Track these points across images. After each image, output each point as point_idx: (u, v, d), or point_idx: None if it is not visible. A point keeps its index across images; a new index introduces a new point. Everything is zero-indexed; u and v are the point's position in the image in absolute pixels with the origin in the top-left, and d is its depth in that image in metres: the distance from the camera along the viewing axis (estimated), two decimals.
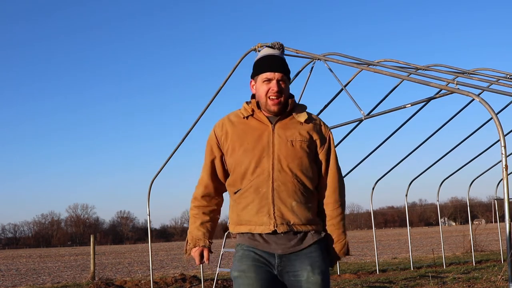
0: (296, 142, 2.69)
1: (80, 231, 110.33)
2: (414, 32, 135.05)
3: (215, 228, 2.90)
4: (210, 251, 2.83)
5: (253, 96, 2.83)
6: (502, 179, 4.71)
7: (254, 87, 2.82)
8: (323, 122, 2.84)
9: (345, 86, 8.11)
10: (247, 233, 2.71)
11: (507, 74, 9.15)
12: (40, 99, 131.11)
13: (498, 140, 5.06)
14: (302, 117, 2.76)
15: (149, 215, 10.55)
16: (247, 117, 2.77)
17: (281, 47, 2.85)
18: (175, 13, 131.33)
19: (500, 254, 13.93)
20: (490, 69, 9.37)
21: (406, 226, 13.77)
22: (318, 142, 2.76)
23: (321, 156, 2.78)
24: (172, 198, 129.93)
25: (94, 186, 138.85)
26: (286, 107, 2.76)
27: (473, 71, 9.02)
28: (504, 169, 4.58)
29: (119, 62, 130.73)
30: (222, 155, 2.81)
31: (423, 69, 7.89)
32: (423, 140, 11.46)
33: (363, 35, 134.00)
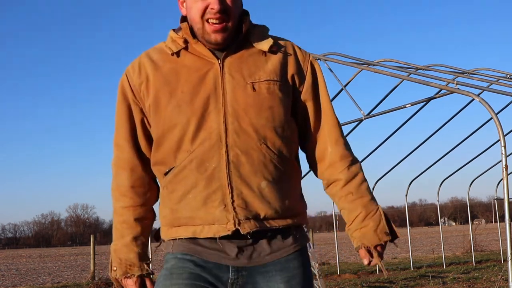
0: (260, 84, 1.68)
1: (80, 231, 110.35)
2: (414, 32, 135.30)
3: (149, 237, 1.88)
4: (151, 279, 1.81)
5: (184, 19, 1.76)
6: (502, 179, 4.71)
7: (184, 5, 1.76)
8: (298, 47, 1.83)
9: (345, 86, 8.12)
10: (189, 238, 1.67)
11: (507, 74, 9.16)
12: (40, 99, 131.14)
13: (498, 140, 5.06)
14: (266, 44, 1.73)
15: None
16: (177, 53, 1.73)
17: None
18: (175, 13, 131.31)
19: (500, 254, 13.92)
20: (490, 69, 9.38)
21: (406, 226, 13.77)
22: (296, 78, 1.76)
23: (305, 96, 1.77)
24: None
25: (94, 186, 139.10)
26: (237, 32, 1.73)
27: (473, 71, 9.03)
28: (504, 169, 4.59)
29: (119, 61, 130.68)
30: (143, 118, 1.77)
31: (423, 69, 7.89)
32: (423, 140, 11.47)
33: (363, 35, 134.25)
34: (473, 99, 6.90)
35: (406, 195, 13.20)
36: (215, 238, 1.64)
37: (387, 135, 10.87)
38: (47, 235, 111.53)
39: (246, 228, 1.61)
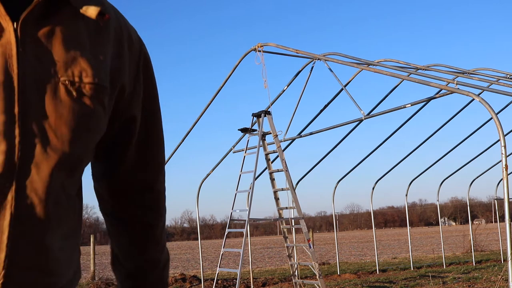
0: (84, 86, 0.88)
1: None
2: (414, 32, 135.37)
3: None
4: None
5: None
6: (502, 179, 4.72)
7: None
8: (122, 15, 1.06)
9: (345, 86, 8.12)
10: None
11: (507, 74, 9.16)
12: None
13: (498, 140, 5.07)
14: (93, 9, 0.91)
15: None
16: None
17: None
18: (175, 14, 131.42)
19: (500, 254, 13.93)
20: (490, 69, 9.39)
21: (406, 226, 13.78)
22: (129, 70, 1.01)
23: (136, 105, 1.07)
24: (172, 198, 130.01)
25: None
26: None
27: (473, 71, 9.04)
28: (504, 169, 4.59)
29: None
30: None
31: (423, 69, 7.90)
32: (423, 140, 11.48)
33: (363, 35, 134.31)
34: (473, 99, 6.90)
35: (406, 195, 13.21)
36: None
37: (387, 135, 10.89)
38: None
39: None
